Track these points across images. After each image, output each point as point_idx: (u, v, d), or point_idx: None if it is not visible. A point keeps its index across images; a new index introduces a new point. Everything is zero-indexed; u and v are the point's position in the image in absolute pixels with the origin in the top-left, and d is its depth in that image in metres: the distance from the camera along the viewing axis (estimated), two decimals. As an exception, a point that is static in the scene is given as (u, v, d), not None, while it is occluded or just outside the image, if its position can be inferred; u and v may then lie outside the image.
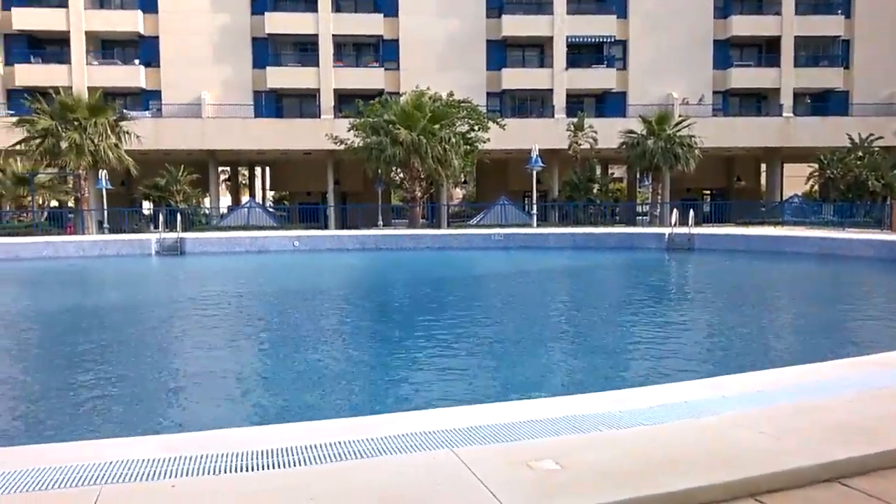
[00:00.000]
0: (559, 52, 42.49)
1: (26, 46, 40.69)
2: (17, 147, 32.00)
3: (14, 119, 32.87)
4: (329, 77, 41.60)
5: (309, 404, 6.73)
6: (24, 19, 39.67)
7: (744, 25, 43.43)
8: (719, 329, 11.01)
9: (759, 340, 10.01)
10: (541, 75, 43.01)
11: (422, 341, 9.74)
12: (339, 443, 3.76)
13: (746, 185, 49.44)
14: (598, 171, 40.20)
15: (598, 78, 43.35)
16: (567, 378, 7.84)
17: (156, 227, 33.73)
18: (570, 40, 42.39)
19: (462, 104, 34.92)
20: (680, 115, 38.26)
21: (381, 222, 37.42)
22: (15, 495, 3.16)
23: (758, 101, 46.29)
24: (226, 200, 52.32)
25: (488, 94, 42.27)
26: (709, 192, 50.43)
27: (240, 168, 53.36)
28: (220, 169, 46.59)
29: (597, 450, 3.75)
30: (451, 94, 34.80)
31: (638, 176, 47.01)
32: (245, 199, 51.62)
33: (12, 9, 39.41)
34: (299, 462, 3.54)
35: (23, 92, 37.14)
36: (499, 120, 36.08)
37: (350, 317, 12.80)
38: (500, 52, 43.04)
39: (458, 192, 64.68)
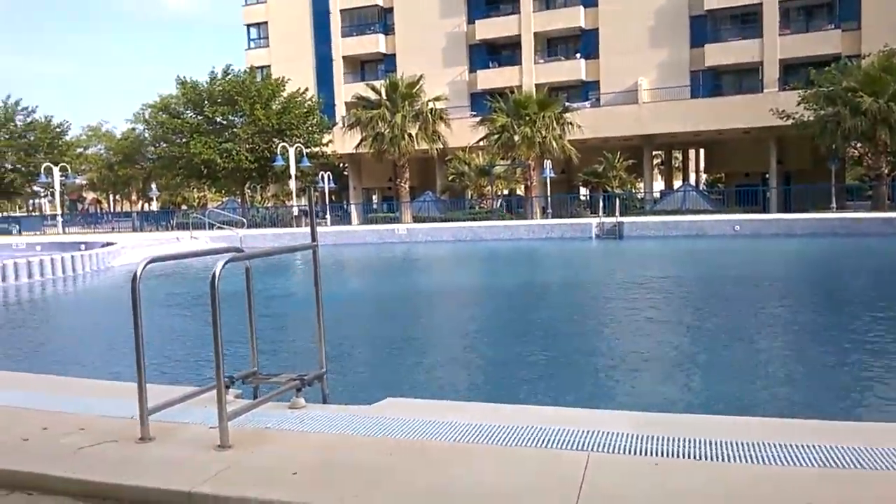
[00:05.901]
0: None
1: (485, 54, 46.37)
2: (480, 143, 36.86)
3: (477, 119, 37.95)
4: (774, 47, 38.36)
5: (784, 399, 6.22)
6: (485, 30, 45.28)
7: None
8: None
9: None
10: None
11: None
12: (841, 447, 3.29)
13: None
14: None
15: None
16: None
17: (592, 212, 35.51)
18: None
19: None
20: None
21: (834, 204, 33.19)
22: (514, 448, 3.47)
23: None
24: (657, 185, 52.36)
25: None
26: None
27: (673, 151, 52.85)
28: (653, 153, 46.79)
29: None
30: (934, 49, 29.14)
31: None
32: (677, 182, 51.03)
33: (476, 22, 45.30)
34: (796, 461, 3.18)
35: (483, 94, 42.53)
36: None
37: (824, 312, 11.28)
38: None
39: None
